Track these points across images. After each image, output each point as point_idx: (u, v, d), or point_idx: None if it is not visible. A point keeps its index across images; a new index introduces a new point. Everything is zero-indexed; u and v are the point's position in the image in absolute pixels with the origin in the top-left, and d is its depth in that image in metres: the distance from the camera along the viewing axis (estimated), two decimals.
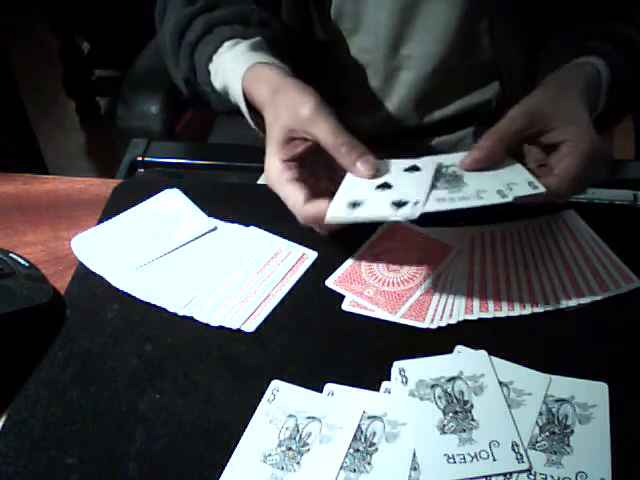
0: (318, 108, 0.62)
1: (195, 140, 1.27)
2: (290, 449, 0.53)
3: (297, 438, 0.54)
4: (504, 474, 0.51)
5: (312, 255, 0.69)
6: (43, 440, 0.55)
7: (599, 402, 0.55)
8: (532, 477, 0.51)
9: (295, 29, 0.82)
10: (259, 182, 0.93)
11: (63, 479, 0.53)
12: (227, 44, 0.74)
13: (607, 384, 0.56)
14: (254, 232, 0.71)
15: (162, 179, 0.90)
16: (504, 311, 0.62)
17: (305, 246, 0.69)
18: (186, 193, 0.75)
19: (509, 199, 0.56)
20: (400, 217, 0.57)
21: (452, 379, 0.57)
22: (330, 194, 0.61)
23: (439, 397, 0.56)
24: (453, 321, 0.62)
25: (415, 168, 0.62)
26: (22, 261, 0.67)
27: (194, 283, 0.66)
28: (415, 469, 0.52)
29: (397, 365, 0.58)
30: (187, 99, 0.84)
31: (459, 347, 0.59)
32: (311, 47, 0.84)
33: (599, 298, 0.63)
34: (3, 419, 0.57)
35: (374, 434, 0.54)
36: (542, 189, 0.58)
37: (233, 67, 0.71)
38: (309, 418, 0.55)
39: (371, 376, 0.58)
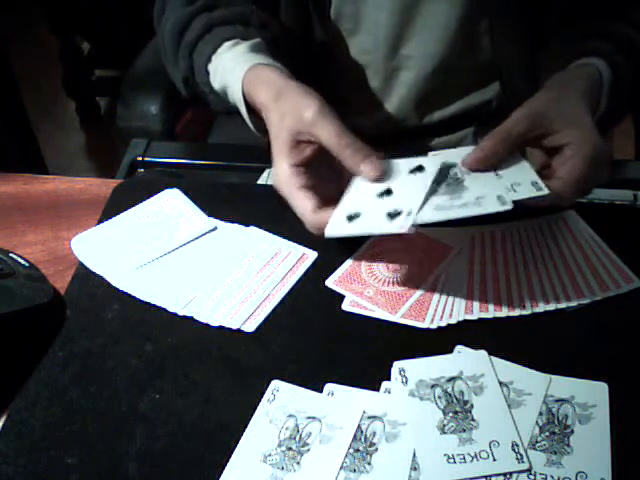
0: (322, 111, 0.62)
1: (195, 140, 1.27)
2: (290, 449, 0.53)
3: (297, 438, 0.54)
4: (504, 474, 0.51)
5: (312, 255, 0.69)
6: (43, 440, 0.55)
7: (599, 402, 0.55)
8: (532, 477, 0.51)
9: (295, 30, 0.82)
10: (259, 182, 0.93)
11: (63, 479, 0.53)
12: (227, 44, 0.74)
13: (607, 384, 0.56)
14: (254, 232, 0.71)
15: (162, 179, 0.90)
16: (504, 311, 0.62)
17: (305, 246, 0.69)
18: (186, 193, 0.75)
19: (508, 207, 0.56)
20: (393, 229, 0.57)
21: (452, 379, 0.57)
22: (339, 199, 0.61)
23: (439, 397, 0.56)
24: (453, 321, 0.62)
25: (420, 168, 0.62)
26: (22, 261, 0.67)
27: (194, 283, 0.66)
28: (415, 469, 0.52)
29: (397, 365, 0.58)
30: (186, 99, 0.84)
31: (459, 347, 0.59)
32: (311, 48, 0.84)
33: (599, 298, 0.63)
34: (3, 419, 0.57)
35: (374, 434, 0.54)
36: (546, 190, 0.58)
37: (233, 67, 0.71)
38: (309, 418, 0.55)
39: (371, 376, 0.58)
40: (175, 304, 0.64)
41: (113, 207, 0.75)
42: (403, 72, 0.84)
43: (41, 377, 0.60)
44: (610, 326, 0.61)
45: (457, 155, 0.62)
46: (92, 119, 2.43)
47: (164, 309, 0.64)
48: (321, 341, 0.61)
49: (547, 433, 0.53)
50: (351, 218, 0.60)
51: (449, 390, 0.56)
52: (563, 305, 0.62)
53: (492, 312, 0.62)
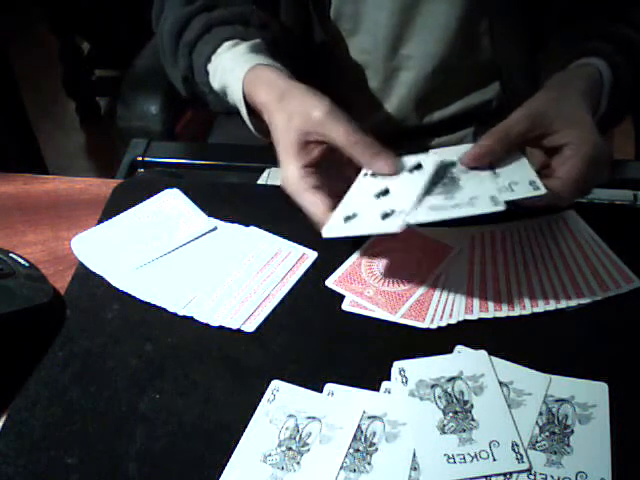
0: (331, 110, 0.62)
1: (195, 140, 1.27)
2: (290, 449, 0.53)
3: (297, 438, 0.54)
4: (504, 474, 0.51)
5: (312, 255, 0.69)
6: (43, 440, 0.55)
7: (599, 402, 0.55)
8: (532, 477, 0.51)
9: (294, 30, 0.82)
10: (259, 182, 0.93)
11: (63, 479, 0.53)
12: (226, 44, 0.73)
13: (607, 384, 0.56)
14: (254, 232, 0.71)
15: (162, 179, 0.90)
16: (504, 311, 0.62)
17: (305, 246, 0.69)
18: (186, 193, 0.75)
19: (500, 208, 0.56)
20: (384, 229, 0.57)
21: (452, 379, 0.57)
22: None
23: (439, 397, 0.56)
24: (453, 321, 0.62)
25: (418, 167, 0.62)
26: (22, 261, 0.67)
27: (194, 283, 0.66)
28: (415, 469, 0.52)
29: (397, 365, 0.58)
30: (186, 99, 0.84)
31: (459, 347, 0.59)
32: (310, 48, 0.84)
33: (599, 298, 0.63)
34: (3, 419, 0.57)
35: (374, 434, 0.54)
36: (543, 190, 0.58)
37: (233, 67, 0.71)
38: (309, 418, 0.55)
39: (371, 376, 0.58)
40: (175, 304, 0.64)
41: (113, 207, 0.75)
42: (403, 72, 0.84)
43: (41, 377, 0.60)
44: (610, 326, 0.61)
45: (456, 153, 0.62)
46: (92, 119, 2.43)
47: (164, 309, 0.64)
48: (321, 341, 0.61)
49: (547, 433, 0.53)
50: (348, 219, 0.60)
51: (449, 390, 0.56)
52: (563, 305, 0.62)
53: (492, 312, 0.62)
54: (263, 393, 0.57)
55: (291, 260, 0.68)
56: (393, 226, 0.56)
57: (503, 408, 0.55)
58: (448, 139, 0.89)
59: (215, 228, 0.72)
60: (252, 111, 0.71)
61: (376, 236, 0.69)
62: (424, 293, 0.64)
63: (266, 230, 0.71)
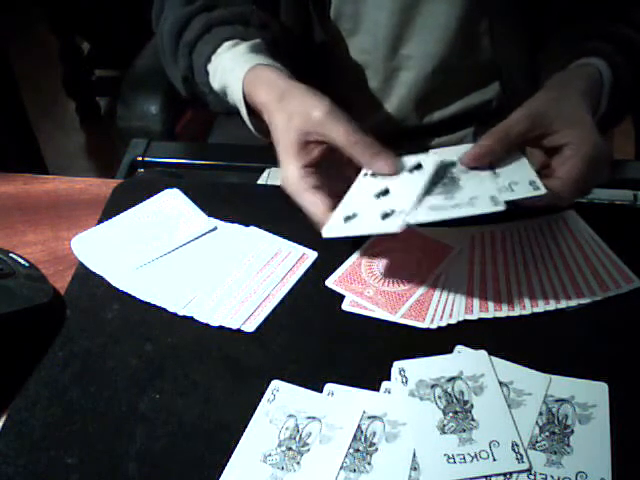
0: (331, 110, 0.62)
1: (195, 140, 1.27)
2: (290, 449, 0.53)
3: (297, 438, 0.54)
4: (504, 474, 0.51)
5: (312, 255, 0.69)
6: (43, 440, 0.55)
7: (599, 402, 0.55)
8: (532, 477, 0.51)
9: (294, 30, 0.82)
10: (259, 182, 0.93)
11: (63, 479, 0.53)
12: (227, 44, 0.73)
13: (607, 384, 0.56)
14: (254, 232, 0.71)
15: (162, 179, 0.90)
16: (504, 311, 0.62)
17: (305, 246, 0.69)
18: (186, 193, 0.75)
19: (500, 208, 0.56)
20: (384, 229, 0.57)
21: (452, 379, 0.57)
22: None
23: (439, 397, 0.56)
24: (453, 321, 0.62)
25: (419, 167, 0.62)
26: (22, 261, 0.67)
27: (194, 283, 0.66)
28: (415, 469, 0.52)
29: (397, 365, 0.58)
30: (186, 99, 0.84)
31: (459, 347, 0.59)
32: (310, 48, 0.84)
33: (599, 298, 0.63)
34: (3, 419, 0.57)
35: (374, 434, 0.54)
36: (543, 190, 0.58)
37: (233, 67, 0.71)
38: (309, 418, 0.55)
39: (371, 376, 0.58)
40: (175, 304, 0.64)
41: (113, 207, 0.75)
42: (403, 72, 0.84)
43: (41, 377, 0.60)
44: (610, 326, 0.61)
45: (456, 153, 0.62)
46: (92, 119, 2.43)
47: (164, 309, 0.64)
48: (321, 341, 0.61)
49: (547, 433, 0.53)
50: (348, 219, 0.60)
51: (449, 390, 0.56)
52: (563, 305, 0.62)
53: (492, 312, 0.62)
54: (263, 393, 0.57)
55: (291, 260, 0.68)
56: (393, 226, 0.56)
57: (503, 408, 0.55)
58: (448, 139, 0.89)
59: (215, 228, 0.72)
60: (252, 111, 0.71)
61: (376, 236, 0.69)
62: (424, 293, 0.64)
63: (266, 230, 0.71)
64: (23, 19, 2.56)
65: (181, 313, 0.64)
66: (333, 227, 0.60)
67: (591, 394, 0.55)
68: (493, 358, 0.58)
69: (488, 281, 0.65)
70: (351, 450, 0.53)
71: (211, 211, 0.73)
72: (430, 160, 0.62)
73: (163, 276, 0.67)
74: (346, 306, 0.64)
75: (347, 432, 0.54)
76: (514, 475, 0.51)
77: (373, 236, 0.69)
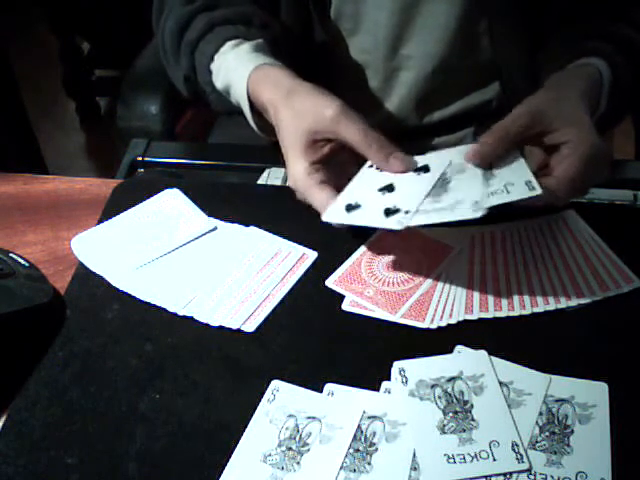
0: (344, 109, 0.62)
1: (195, 140, 1.27)
2: (290, 449, 0.53)
3: (297, 438, 0.54)
4: (504, 474, 0.51)
5: (312, 255, 0.69)
6: (43, 440, 0.55)
7: (599, 402, 0.55)
8: (532, 477, 0.51)
9: (295, 30, 0.82)
10: (259, 182, 0.93)
11: (63, 479, 0.53)
12: (229, 44, 0.74)
13: (607, 384, 0.56)
14: (254, 232, 0.71)
15: (162, 179, 0.90)
16: (504, 311, 0.62)
17: (305, 246, 0.69)
18: (186, 193, 0.75)
19: (479, 214, 0.56)
20: (388, 226, 0.58)
21: (452, 379, 0.57)
22: None
23: (439, 397, 0.56)
24: (453, 321, 0.62)
25: (425, 169, 0.62)
26: (22, 261, 0.67)
27: (194, 283, 0.66)
28: (415, 469, 0.52)
29: (397, 365, 0.58)
30: (187, 99, 0.84)
31: (459, 347, 0.59)
32: (311, 48, 0.84)
33: (599, 298, 0.62)
34: (3, 419, 0.57)
35: (374, 434, 0.54)
36: (539, 190, 0.58)
37: (236, 67, 0.71)
38: (309, 418, 0.55)
39: (371, 376, 0.58)
40: (175, 304, 0.64)
41: (113, 207, 0.75)
42: (403, 72, 0.84)
43: (41, 377, 0.60)
44: (610, 326, 0.61)
45: (456, 153, 0.62)
46: (92, 119, 2.43)
47: (164, 309, 0.64)
48: (321, 341, 0.61)
49: (547, 433, 0.53)
50: (350, 208, 0.61)
51: (449, 390, 0.56)
52: (563, 305, 0.62)
53: (492, 312, 0.62)
54: (263, 393, 0.57)
55: (291, 260, 0.68)
56: (397, 225, 0.57)
57: (503, 408, 0.55)
58: (448, 139, 0.89)
59: (215, 228, 0.72)
60: (255, 111, 0.71)
61: (376, 235, 0.69)
62: (424, 293, 0.64)
63: (266, 230, 0.71)
64: (23, 19, 2.56)
65: (181, 313, 0.64)
66: (334, 213, 0.61)
67: (591, 394, 0.55)
68: (493, 358, 0.58)
69: (488, 281, 0.65)
70: (351, 450, 0.53)
71: (211, 211, 0.73)
72: (438, 163, 0.62)
73: (163, 276, 0.67)
74: (346, 306, 0.64)
75: (347, 432, 0.54)
76: (514, 475, 0.51)
77: (373, 236, 0.69)
